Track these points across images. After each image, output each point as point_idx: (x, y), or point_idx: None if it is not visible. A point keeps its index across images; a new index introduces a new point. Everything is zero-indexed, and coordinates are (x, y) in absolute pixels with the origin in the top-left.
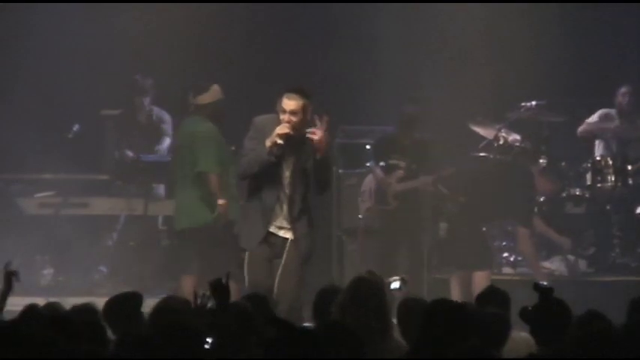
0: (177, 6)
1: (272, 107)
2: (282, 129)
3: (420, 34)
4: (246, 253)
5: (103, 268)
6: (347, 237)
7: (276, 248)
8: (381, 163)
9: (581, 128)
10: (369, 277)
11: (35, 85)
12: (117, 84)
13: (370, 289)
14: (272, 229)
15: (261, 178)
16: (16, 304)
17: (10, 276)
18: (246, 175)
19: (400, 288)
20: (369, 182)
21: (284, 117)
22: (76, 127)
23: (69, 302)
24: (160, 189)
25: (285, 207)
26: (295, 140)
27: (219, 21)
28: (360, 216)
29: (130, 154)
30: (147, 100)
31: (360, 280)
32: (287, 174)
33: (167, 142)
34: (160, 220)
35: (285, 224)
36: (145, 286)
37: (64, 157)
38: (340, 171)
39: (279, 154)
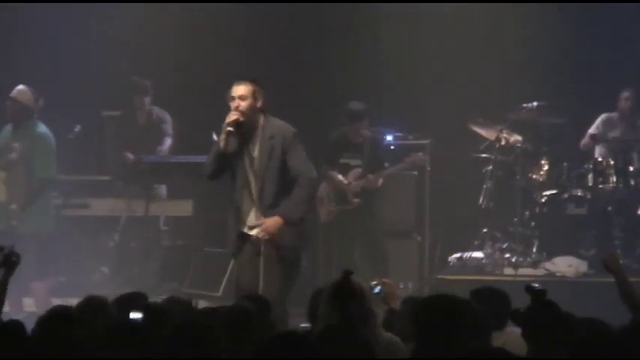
0: (179, 6)
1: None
2: (230, 117)
3: (421, 35)
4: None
5: (105, 269)
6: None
7: (256, 247)
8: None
9: (583, 141)
10: (341, 280)
11: (36, 85)
12: (118, 84)
13: (343, 291)
14: (245, 230)
15: (231, 180)
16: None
17: (11, 258)
18: (208, 173)
19: (380, 292)
20: (324, 187)
21: (233, 103)
22: (77, 128)
23: (70, 303)
24: (162, 189)
25: (253, 205)
26: (248, 133)
27: (218, 21)
28: (321, 220)
29: (130, 155)
30: (147, 100)
31: (331, 285)
32: (248, 171)
33: (168, 142)
34: (162, 220)
35: (257, 222)
36: (147, 287)
37: (65, 157)
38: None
39: (235, 146)
